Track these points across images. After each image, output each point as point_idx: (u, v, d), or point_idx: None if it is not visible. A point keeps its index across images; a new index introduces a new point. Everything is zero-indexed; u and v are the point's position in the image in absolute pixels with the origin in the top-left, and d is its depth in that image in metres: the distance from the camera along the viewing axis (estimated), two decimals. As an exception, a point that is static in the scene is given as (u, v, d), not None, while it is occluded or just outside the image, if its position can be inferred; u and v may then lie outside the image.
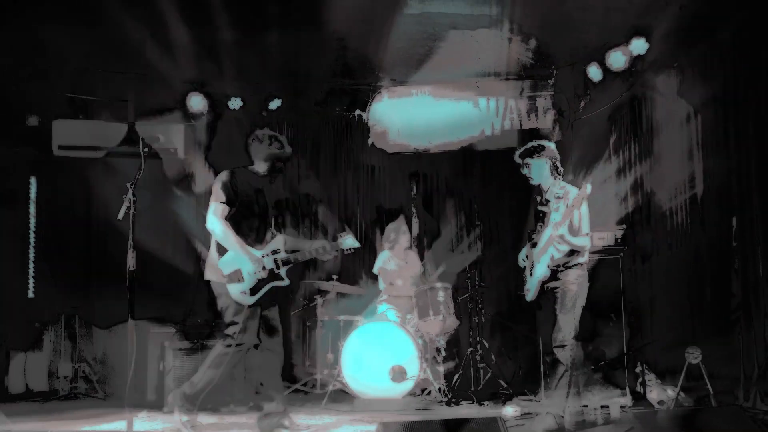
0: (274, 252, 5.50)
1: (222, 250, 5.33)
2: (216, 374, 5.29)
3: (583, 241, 5.51)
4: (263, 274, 5.37)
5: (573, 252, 5.53)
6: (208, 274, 5.42)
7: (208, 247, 5.51)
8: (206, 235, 5.53)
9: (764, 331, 6.06)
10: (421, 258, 8.18)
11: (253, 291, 5.35)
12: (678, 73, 7.20)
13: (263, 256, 5.42)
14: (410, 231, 8.11)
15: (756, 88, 6.27)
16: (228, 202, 5.31)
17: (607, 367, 6.76)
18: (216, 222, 5.29)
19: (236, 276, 5.30)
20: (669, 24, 6.78)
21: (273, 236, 5.61)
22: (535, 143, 5.76)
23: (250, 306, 5.33)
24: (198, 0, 6.58)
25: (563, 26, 7.18)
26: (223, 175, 5.41)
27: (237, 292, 5.30)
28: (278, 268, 5.49)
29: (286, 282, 5.54)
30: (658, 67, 7.36)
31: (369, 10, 6.85)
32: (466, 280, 7.65)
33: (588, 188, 5.32)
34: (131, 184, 4.80)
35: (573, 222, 5.47)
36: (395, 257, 7.75)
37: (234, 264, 5.31)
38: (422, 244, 8.64)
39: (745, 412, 5.24)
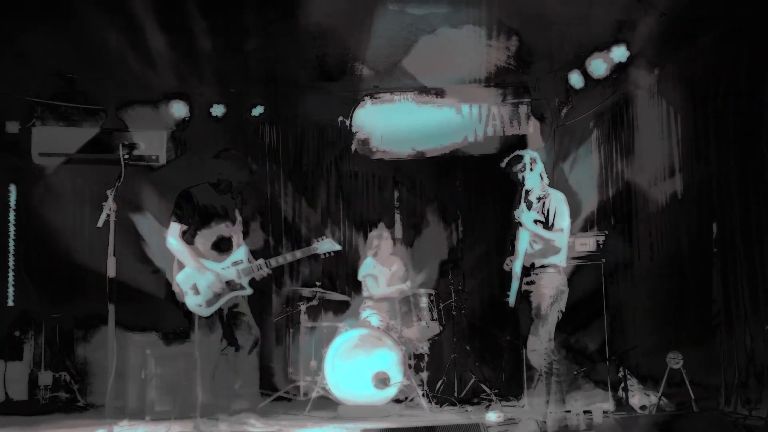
0: (236, 263, 5.68)
1: (181, 266, 5.53)
2: (216, 383, 5.47)
3: (553, 236, 5.49)
4: (220, 288, 5.54)
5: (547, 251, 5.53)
6: (174, 287, 5.62)
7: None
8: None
9: (745, 337, 6.09)
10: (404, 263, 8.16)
11: (211, 303, 5.53)
12: (659, 77, 7.24)
13: (222, 269, 5.60)
14: (393, 237, 8.10)
15: (737, 92, 6.32)
16: (180, 221, 5.52)
17: (589, 371, 6.80)
18: (172, 240, 5.53)
19: (193, 290, 5.49)
20: (649, 29, 6.82)
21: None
22: (520, 152, 5.82)
23: (207, 317, 5.53)
24: (177, 7, 6.56)
25: (544, 22, 7.15)
26: (178, 196, 5.62)
27: (193, 304, 5.50)
28: (240, 278, 5.66)
29: (248, 291, 5.76)
30: (639, 72, 7.39)
31: (348, 15, 6.84)
32: (449, 285, 7.64)
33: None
34: (111, 192, 4.79)
35: (548, 217, 5.50)
36: (379, 264, 7.75)
37: (191, 278, 5.51)
38: (405, 249, 8.62)
39: (726, 418, 5.29)
